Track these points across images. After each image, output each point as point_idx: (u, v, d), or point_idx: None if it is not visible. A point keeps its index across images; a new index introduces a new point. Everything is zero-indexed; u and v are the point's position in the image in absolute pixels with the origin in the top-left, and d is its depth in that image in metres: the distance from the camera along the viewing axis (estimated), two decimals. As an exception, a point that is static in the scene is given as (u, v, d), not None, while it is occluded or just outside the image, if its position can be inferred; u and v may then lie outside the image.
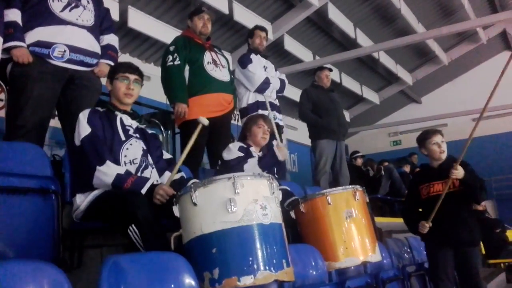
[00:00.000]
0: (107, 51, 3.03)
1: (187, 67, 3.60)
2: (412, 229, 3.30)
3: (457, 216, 3.10)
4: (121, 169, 2.18)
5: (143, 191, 2.11)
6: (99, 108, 2.38)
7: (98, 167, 2.14)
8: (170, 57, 3.55)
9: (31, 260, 1.42)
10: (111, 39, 3.10)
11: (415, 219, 3.20)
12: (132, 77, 2.41)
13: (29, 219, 2.02)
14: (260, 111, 4.12)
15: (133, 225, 1.91)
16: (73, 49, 2.77)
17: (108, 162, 2.16)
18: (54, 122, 3.06)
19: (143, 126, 2.53)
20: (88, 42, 2.88)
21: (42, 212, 2.06)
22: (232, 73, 4.02)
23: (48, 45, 2.70)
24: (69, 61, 2.76)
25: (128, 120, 2.41)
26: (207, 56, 3.67)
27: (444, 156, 3.21)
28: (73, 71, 2.80)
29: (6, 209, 1.96)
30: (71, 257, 2.19)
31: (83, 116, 2.27)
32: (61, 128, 2.96)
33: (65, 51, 2.74)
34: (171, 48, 3.61)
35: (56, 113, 2.97)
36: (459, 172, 2.96)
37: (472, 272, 3.11)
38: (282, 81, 4.36)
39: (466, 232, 3.10)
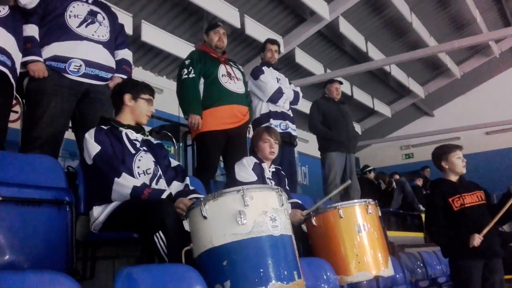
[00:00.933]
0: (122, 66, 3.10)
1: (202, 80, 3.65)
2: (450, 245, 3.18)
3: (491, 227, 3.06)
4: (137, 182, 2.20)
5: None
6: (103, 126, 2.39)
7: (116, 179, 2.16)
8: (185, 71, 3.61)
9: (46, 270, 1.43)
10: (126, 54, 3.16)
11: (452, 235, 3.12)
12: (153, 100, 2.50)
13: (43, 230, 2.04)
14: (272, 121, 4.15)
15: (160, 232, 1.93)
16: (88, 63, 2.83)
17: (124, 174, 2.19)
18: (68, 134, 3.11)
19: (147, 138, 2.55)
20: (103, 57, 2.94)
21: (56, 223, 2.09)
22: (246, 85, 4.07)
23: (65, 59, 2.76)
24: (84, 75, 2.82)
25: (133, 135, 2.43)
26: (222, 69, 3.72)
27: (464, 170, 3.24)
28: (88, 85, 2.86)
29: (21, 220, 1.99)
30: (84, 268, 2.21)
31: (89, 135, 2.29)
32: (75, 140, 3.01)
33: (81, 65, 2.79)
34: (187, 62, 3.68)
35: (71, 125, 3.02)
36: None
37: (502, 285, 3.09)
38: (296, 93, 4.43)
39: (497, 242, 3.13)
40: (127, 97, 2.46)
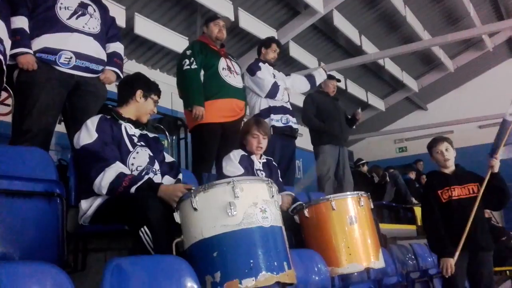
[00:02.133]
0: (113, 59, 3.08)
1: (202, 72, 3.64)
2: (436, 244, 3.18)
3: (478, 220, 3.07)
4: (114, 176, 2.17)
5: (137, 186, 2.13)
6: (106, 116, 2.38)
7: (98, 175, 2.15)
8: (187, 61, 3.60)
9: (36, 261, 1.44)
10: (117, 47, 3.14)
11: (441, 236, 3.09)
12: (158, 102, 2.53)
13: (34, 222, 2.04)
14: (273, 116, 4.15)
15: (145, 227, 1.92)
16: (79, 56, 2.81)
17: (106, 169, 2.16)
18: (61, 127, 3.10)
19: (145, 132, 2.54)
20: (94, 49, 2.92)
21: (47, 216, 2.08)
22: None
23: (55, 51, 2.74)
24: (75, 67, 2.80)
25: (132, 129, 2.42)
26: (222, 62, 3.72)
27: (449, 163, 3.21)
28: (79, 78, 2.84)
29: (12, 212, 1.98)
30: (75, 260, 2.21)
31: (92, 123, 2.27)
32: (67, 133, 2.99)
33: (71, 57, 2.78)
34: (188, 52, 3.66)
35: (62, 118, 3.01)
36: (497, 162, 3.06)
37: (490, 278, 3.08)
38: (306, 78, 4.62)
39: (484, 236, 3.11)
40: (138, 93, 2.45)
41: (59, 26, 2.77)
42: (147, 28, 6.64)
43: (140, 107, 2.45)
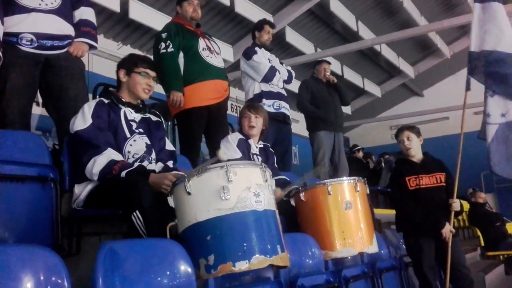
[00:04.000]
0: (80, 28, 2.86)
1: (181, 55, 3.51)
2: (418, 215, 3.25)
3: (441, 208, 3.20)
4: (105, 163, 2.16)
5: (126, 170, 2.12)
6: (105, 100, 2.34)
7: (90, 160, 2.15)
8: (163, 44, 3.44)
9: (30, 244, 1.43)
10: (83, 13, 2.91)
11: (425, 214, 3.18)
12: (153, 74, 2.42)
13: (28, 206, 2.03)
14: (265, 101, 4.13)
15: (137, 211, 1.92)
16: (40, 36, 2.64)
17: (95, 157, 2.15)
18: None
19: (147, 116, 2.49)
20: (56, 26, 2.72)
21: (40, 200, 2.07)
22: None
23: (15, 35, 2.60)
24: (39, 47, 2.65)
25: (131, 114, 2.39)
26: (202, 43, 3.59)
27: (412, 152, 3.29)
28: (47, 55, 2.69)
29: (5, 197, 1.97)
30: (69, 244, 2.21)
31: (89, 107, 2.24)
32: (48, 114, 2.87)
33: (32, 39, 2.62)
34: (163, 35, 3.49)
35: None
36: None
37: (460, 261, 3.21)
38: (289, 72, 4.42)
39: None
40: (121, 73, 2.41)
41: (15, 8, 2.61)
42: (142, 12, 6.59)
43: (128, 86, 2.39)
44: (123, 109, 2.37)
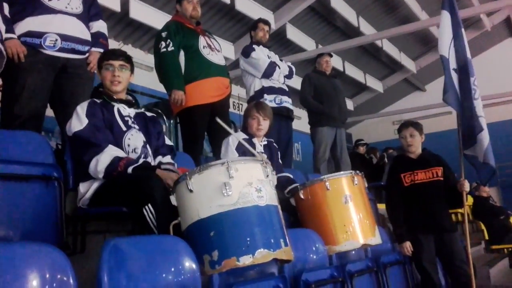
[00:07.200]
0: (98, 39, 3.00)
1: (182, 53, 3.52)
2: (395, 230, 3.35)
3: (439, 203, 3.22)
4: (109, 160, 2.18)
5: (133, 166, 2.14)
6: (96, 100, 2.36)
7: (92, 159, 2.17)
8: (163, 44, 3.45)
9: (35, 242, 1.44)
10: (100, 25, 3.06)
11: (400, 224, 3.26)
12: (117, 63, 2.37)
13: (32, 205, 2.04)
14: (266, 96, 4.14)
15: (149, 205, 1.93)
16: (64, 37, 2.76)
17: (96, 157, 2.17)
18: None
19: (141, 111, 2.51)
20: (79, 29, 2.86)
21: (45, 199, 2.08)
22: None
23: (40, 35, 2.69)
24: (61, 49, 2.75)
25: (125, 110, 2.40)
26: (202, 41, 3.60)
27: (413, 149, 3.30)
28: (65, 60, 2.79)
29: (10, 196, 1.99)
30: (74, 243, 2.23)
31: (81, 108, 2.26)
32: (55, 118, 2.94)
33: (56, 40, 2.72)
34: (163, 34, 3.50)
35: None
36: (466, 183, 3.17)
37: (462, 254, 3.19)
38: (290, 67, 4.40)
39: (447, 218, 3.26)
40: (98, 73, 2.43)
41: (42, 8, 2.71)
42: (142, 12, 6.59)
43: (103, 82, 2.40)
44: (116, 105, 2.38)
